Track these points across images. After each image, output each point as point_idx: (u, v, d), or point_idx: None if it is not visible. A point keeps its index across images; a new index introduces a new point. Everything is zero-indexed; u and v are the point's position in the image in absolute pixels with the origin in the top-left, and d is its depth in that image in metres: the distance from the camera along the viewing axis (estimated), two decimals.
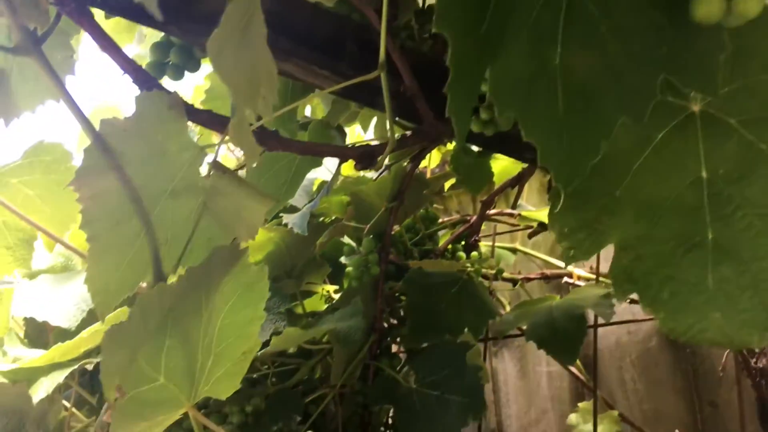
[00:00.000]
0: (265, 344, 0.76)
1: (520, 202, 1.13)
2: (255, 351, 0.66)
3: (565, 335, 0.83)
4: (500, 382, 1.45)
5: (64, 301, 0.87)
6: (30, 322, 0.91)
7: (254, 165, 0.51)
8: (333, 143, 0.83)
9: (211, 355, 0.62)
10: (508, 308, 1.16)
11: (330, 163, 0.96)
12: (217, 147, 0.60)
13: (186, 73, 0.65)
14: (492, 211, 1.09)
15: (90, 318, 0.83)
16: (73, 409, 0.87)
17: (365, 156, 0.67)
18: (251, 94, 0.40)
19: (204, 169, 0.59)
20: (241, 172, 0.74)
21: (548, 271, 1.20)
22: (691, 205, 0.40)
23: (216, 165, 0.59)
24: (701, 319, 0.38)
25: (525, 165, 1.03)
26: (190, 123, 0.57)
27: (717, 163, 0.39)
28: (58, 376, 0.70)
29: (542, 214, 1.05)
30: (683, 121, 0.40)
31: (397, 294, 0.98)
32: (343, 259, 1.08)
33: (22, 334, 0.92)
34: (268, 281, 0.60)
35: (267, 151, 0.60)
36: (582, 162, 0.34)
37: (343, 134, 0.82)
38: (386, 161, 0.87)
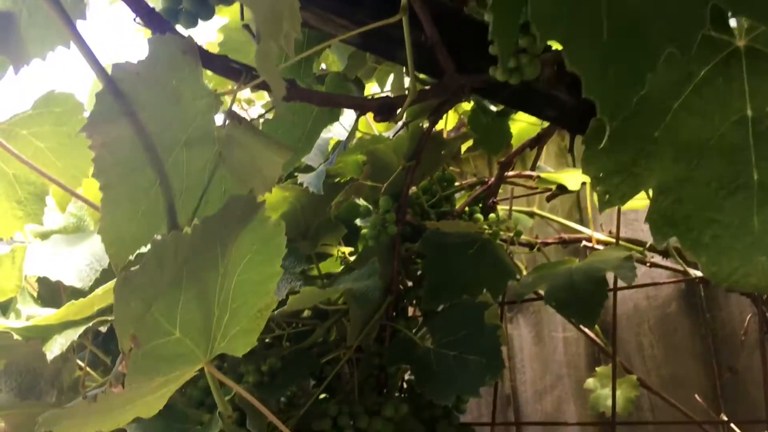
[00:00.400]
0: (281, 304, 0.75)
1: (538, 164, 1.10)
2: (271, 308, 0.64)
3: (585, 298, 0.82)
4: (515, 349, 1.44)
5: (77, 260, 0.86)
6: (43, 282, 0.90)
7: (280, 98, 0.49)
8: None
9: (227, 311, 0.61)
10: (525, 273, 1.14)
11: (346, 122, 0.94)
12: (232, 96, 0.59)
13: (200, 21, 0.63)
14: (510, 173, 1.07)
15: (103, 278, 0.82)
16: (88, 369, 0.87)
17: (385, 108, 0.65)
18: (274, 27, 0.38)
19: (219, 119, 0.57)
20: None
21: (566, 235, 1.18)
22: (735, 145, 0.37)
23: (232, 114, 0.57)
24: (745, 263, 0.36)
25: (544, 126, 1.01)
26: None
27: (763, 101, 0.37)
28: (72, 334, 0.69)
29: (561, 177, 1.03)
30: (727, 57, 0.38)
31: (413, 256, 0.97)
32: (358, 221, 1.06)
33: (36, 295, 0.91)
34: (285, 237, 0.59)
35: (284, 101, 0.58)
36: (627, 94, 0.32)
37: (362, 87, 0.80)
38: (403, 118, 0.84)
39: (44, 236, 0.94)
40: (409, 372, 0.99)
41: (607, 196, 0.40)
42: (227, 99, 0.58)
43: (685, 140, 0.39)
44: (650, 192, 0.40)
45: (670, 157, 0.39)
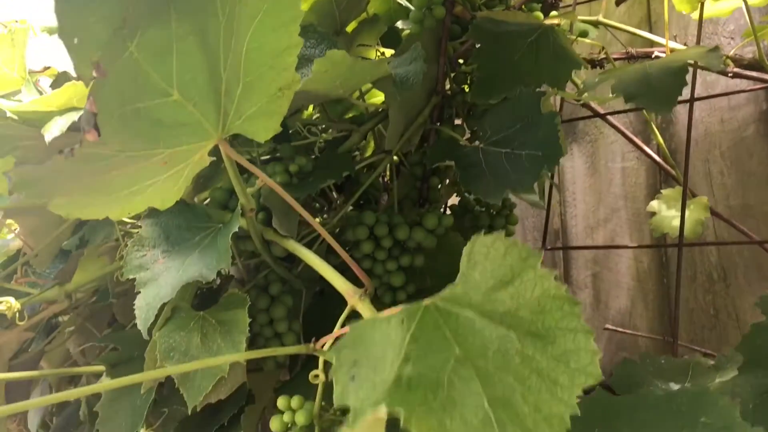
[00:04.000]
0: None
1: None
2: (294, 88, 0.54)
3: (660, 87, 0.70)
4: (567, 182, 1.34)
5: None
6: (60, 77, 0.82)
7: None
8: None
9: (238, 83, 0.52)
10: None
11: None
12: None
13: None
14: None
15: None
16: None
17: None
18: None
19: None
20: None
21: (635, 50, 1.04)
22: None
23: None
24: None
25: None
26: None
27: None
28: (72, 116, 0.62)
29: None
30: None
31: (460, 60, 0.85)
32: (400, 23, 0.94)
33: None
34: None
35: None
36: None
37: None
38: None
39: (51, 31, 0.85)
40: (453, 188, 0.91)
41: None
42: None
43: None
44: None
45: None
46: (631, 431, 0.43)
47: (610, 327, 1.05)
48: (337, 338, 0.52)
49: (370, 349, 0.34)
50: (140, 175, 0.52)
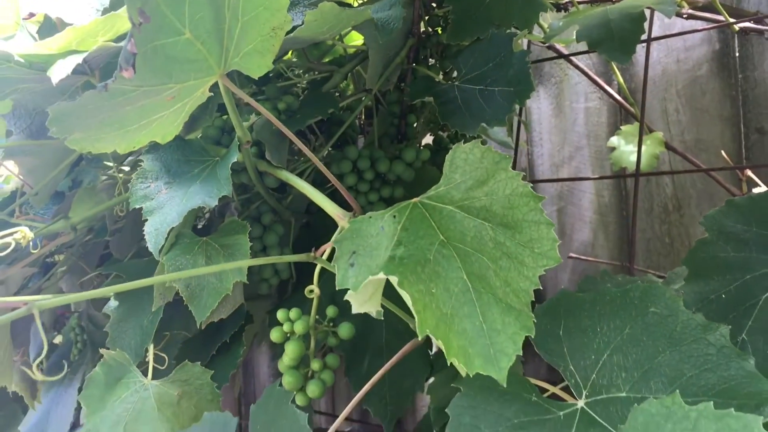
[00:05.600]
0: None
1: None
2: (285, 29, 0.60)
3: (620, 34, 0.76)
4: (534, 122, 1.40)
5: None
6: (45, 22, 0.85)
7: None
8: None
9: (238, 21, 0.57)
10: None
11: None
12: None
13: None
14: None
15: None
16: None
17: None
18: None
19: None
20: None
21: None
22: None
23: None
24: None
25: None
26: None
27: None
28: (76, 59, 0.65)
29: None
30: None
31: (434, 3, 0.90)
32: None
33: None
34: None
35: None
36: None
37: None
38: None
39: None
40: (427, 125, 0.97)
41: None
42: None
43: None
44: None
45: None
46: (591, 321, 0.50)
47: (573, 255, 1.13)
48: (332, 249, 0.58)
49: (367, 240, 0.40)
50: (149, 110, 0.57)
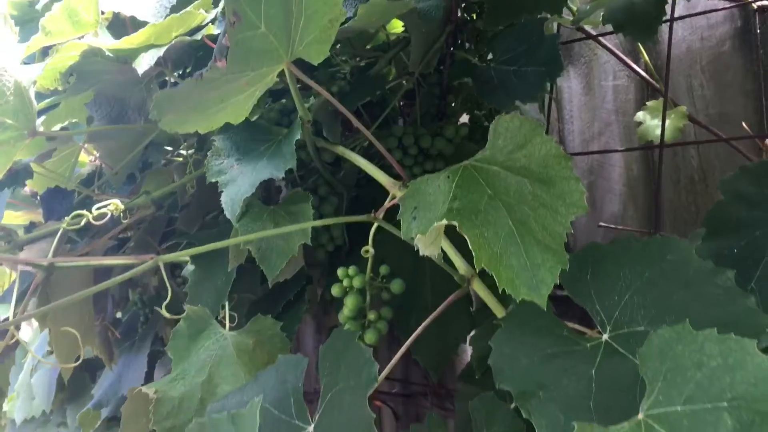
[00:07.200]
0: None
1: None
2: (339, 20, 0.68)
3: (643, 15, 0.83)
4: (564, 101, 1.47)
5: None
6: (115, 19, 0.94)
7: None
8: None
9: (302, 15, 0.65)
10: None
11: None
12: None
13: None
14: None
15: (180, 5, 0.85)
16: None
17: None
18: None
19: None
20: None
21: None
22: None
23: None
24: None
25: None
26: None
27: None
28: (156, 53, 0.75)
29: None
30: None
31: None
32: None
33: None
34: None
35: None
36: None
37: None
38: None
39: None
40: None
41: None
42: None
43: None
44: None
45: None
46: (615, 267, 0.58)
47: (603, 224, 1.20)
48: (387, 209, 0.67)
49: (426, 197, 0.49)
50: (228, 94, 0.66)
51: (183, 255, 0.60)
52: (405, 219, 0.48)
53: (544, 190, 0.46)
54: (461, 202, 0.47)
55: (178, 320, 0.77)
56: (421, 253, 0.50)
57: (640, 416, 0.44)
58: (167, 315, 0.72)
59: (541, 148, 0.48)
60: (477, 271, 0.45)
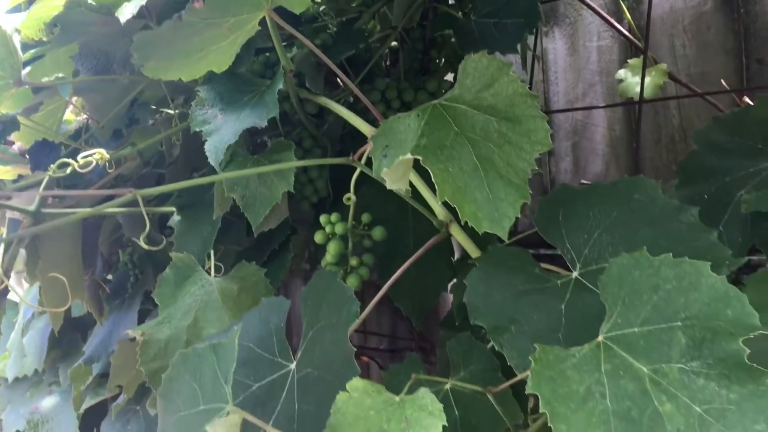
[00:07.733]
0: None
1: None
2: None
3: None
4: (549, 62, 1.48)
5: None
6: None
7: None
8: None
9: None
10: None
11: None
12: None
13: None
14: None
15: None
16: None
17: None
18: None
19: None
20: None
21: None
22: None
23: None
24: None
25: None
26: None
27: None
28: (139, 2, 0.75)
29: None
30: None
31: None
32: None
33: None
34: None
35: None
36: None
37: None
38: None
39: None
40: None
41: None
42: None
43: None
44: None
45: None
46: (585, 208, 0.60)
47: (584, 182, 1.22)
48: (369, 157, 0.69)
49: (396, 135, 0.51)
50: (209, 40, 0.68)
51: (160, 190, 0.61)
52: (376, 156, 0.50)
53: (510, 127, 0.48)
54: (428, 139, 0.48)
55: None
56: (388, 187, 0.52)
57: (600, 338, 0.46)
58: (145, 246, 0.73)
59: (507, 87, 0.49)
60: (440, 201, 0.47)
